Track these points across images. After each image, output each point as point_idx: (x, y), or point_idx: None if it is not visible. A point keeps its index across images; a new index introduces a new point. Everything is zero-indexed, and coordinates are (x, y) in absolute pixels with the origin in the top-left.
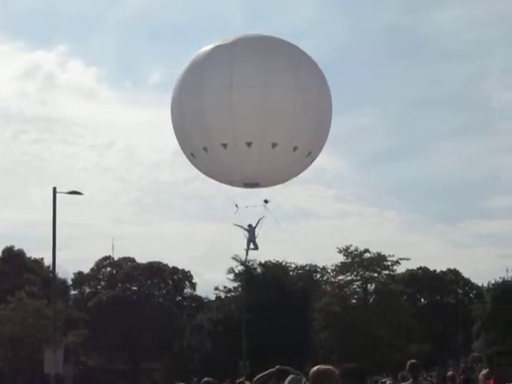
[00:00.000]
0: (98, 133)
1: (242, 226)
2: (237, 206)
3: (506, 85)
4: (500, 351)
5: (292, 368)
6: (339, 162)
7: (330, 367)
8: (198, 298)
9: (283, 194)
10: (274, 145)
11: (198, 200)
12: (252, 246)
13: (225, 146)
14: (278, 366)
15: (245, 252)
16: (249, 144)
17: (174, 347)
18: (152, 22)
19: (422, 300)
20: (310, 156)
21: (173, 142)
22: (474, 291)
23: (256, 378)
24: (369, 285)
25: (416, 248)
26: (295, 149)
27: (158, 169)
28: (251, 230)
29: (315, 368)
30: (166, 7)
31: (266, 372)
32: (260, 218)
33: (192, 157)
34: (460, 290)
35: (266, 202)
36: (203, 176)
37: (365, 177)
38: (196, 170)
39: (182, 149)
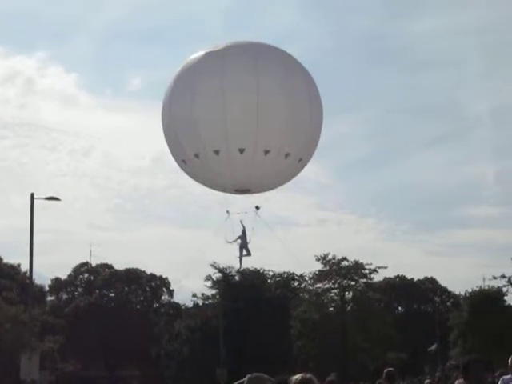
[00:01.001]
0: (78, 139)
1: (233, 241)
2: (228, 212)
3: (481, 94)
4: (477, 359)
5: (267, 375)
6: (319, 169)
7: (311, 376)
8: (176, 305)
9: (262, 202)
10: (266, 152)
11: (177, 207)
12: (245, 252)
13: (217, 152)
14: (248, 375)
15: (238, 260)
16: (241, 151)
17: (152, 354)
18: (132, 28)
19: (400, 308)
20: (301, 162)
21: (152, 149)
22: (451, 299)
23: None
24: (346, 293)
25: (393, 256)
26: (287, 155)
27: (136, 175)
28: (243, 236)
29: (298, 376)
30: (146, 14)
31: (239, 381)
32: (241, 220)
33: (183, 163)
34: (437, 299)
35: (257, 208)
36: (182, 183)
37: (344, 184)
38: (173, 177)
39: (173, 155)
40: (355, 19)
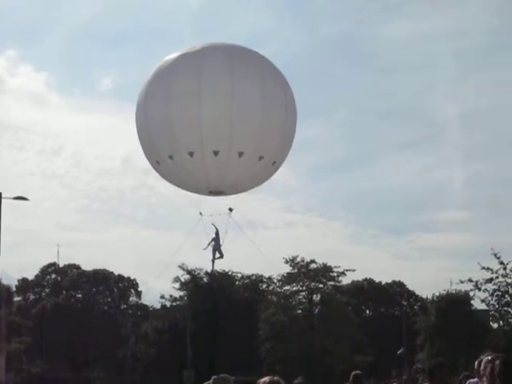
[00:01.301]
0: (47, 139)
1: (208, 244)
2: (201, 213)
3: (452, 99)
4: (442, 363)
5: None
6: (288, 171)
7: (279, 378)
8: (143, 307)
9: (234, 204)
10: (240, 154)
11: (145, 208)
12: (218, 254)
13: (191, 154)
14: (214, 376)
15: (211, 262)
16: (216, 153)
17: (118, 356)
18: (103, 28)
19: (367, 311)
20: (275, 165)
21: (121, 150)
22: (419, 303)
23: None
24: (314, 295)
25: (361, 259)
26: (261, 158)
27: (105, 176)
28: (216, 238)
29: (266, 379)
30: (117, 14)
31: (207, 383)
32: (213, 223)
33: (157, 165)
34: (404, 302)
35: (230, 210)
36: (151, 184)
37: (312, 187)
38: (142, 178)
39: (147, 157)
40: (328, 22)
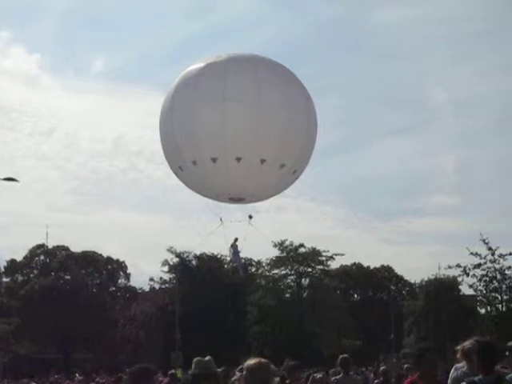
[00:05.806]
0: (39, 120)
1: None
2: (221, 219)
3: (445, 85)
4: (430, 347)
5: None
6: None
7: (268, 362)
8: (132, 289)
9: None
10: (262, 161)
11: (136, 191)
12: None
13: (214, 160)
14: (196, 359)
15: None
16: (238, 159)
17: (107, 338)
18: (96, 9)
19: (355, 296)
20: (295, 174)
21: (113, 132)
22: (407, 288)
23: None
24: (303, 279)
25: (350, 244)
26: (282, 166)
27: (97, 158)
28: (235, 249)
29: (254, 361)
30: None
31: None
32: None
33: (180, 170)
34: (393, 287)
35: (250, 217)
36: (141, 167)
37: (305, 171)
38: (133, 161)
39: (169, 162)
40: (322, 7)
